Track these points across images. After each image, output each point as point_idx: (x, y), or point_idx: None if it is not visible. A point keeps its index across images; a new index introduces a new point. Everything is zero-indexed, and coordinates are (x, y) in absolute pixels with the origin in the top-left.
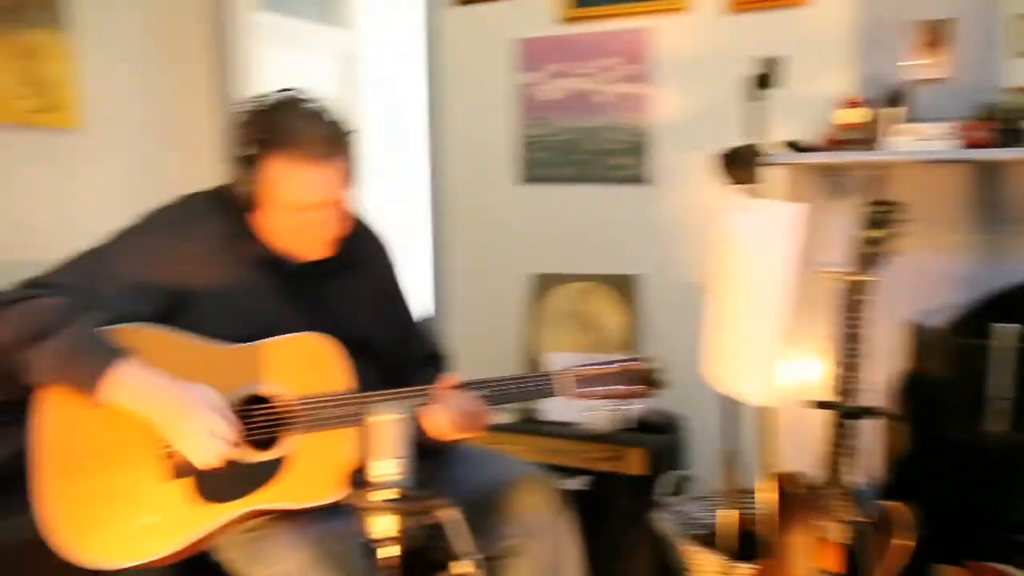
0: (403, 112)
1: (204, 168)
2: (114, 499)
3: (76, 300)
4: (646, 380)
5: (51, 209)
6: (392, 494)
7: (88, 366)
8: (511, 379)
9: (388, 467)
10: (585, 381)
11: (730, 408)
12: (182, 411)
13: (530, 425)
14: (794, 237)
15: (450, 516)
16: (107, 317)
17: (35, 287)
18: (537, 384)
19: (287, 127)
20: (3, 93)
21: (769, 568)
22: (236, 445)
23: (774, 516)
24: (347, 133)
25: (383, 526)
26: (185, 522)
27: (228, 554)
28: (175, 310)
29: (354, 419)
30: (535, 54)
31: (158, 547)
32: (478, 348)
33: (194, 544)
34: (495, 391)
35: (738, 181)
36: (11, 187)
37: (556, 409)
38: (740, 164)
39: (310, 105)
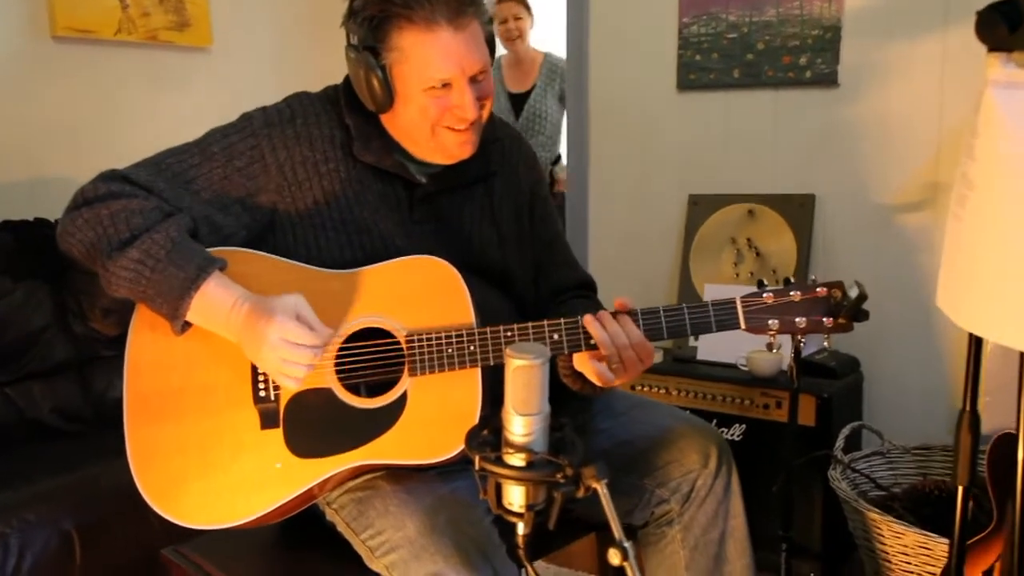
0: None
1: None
2: (202, 450)
3: (163, 204)
4: (842, 311)
5: (179, 129)
6: (519, 460)
7: (174, 279)
8: (679, 308)
9: (516, 425)
10: (765, 311)
11: (926, 349)
12: (258, 321)
13: (680, 365)
14: None
15: (596, 488)
16: (192, 225)
17: (118, 182)
18: (714, 313)
19: None
20: (138, 9)
21: (973, 544)
22: (322, 352)
23: (984, 482)
24: None
25: (508, 497)
26: (277, 479)
27: (332, 516)
28: (271, 228)
29: (483, 360)
30: None
31: (248, 508)
32: (626, 277)
33: (289, 505)
34: (663, 322)
35: (1008, 47)
36: (142, 106)
37: (710, 347)
38: (1013, 21)
39: None
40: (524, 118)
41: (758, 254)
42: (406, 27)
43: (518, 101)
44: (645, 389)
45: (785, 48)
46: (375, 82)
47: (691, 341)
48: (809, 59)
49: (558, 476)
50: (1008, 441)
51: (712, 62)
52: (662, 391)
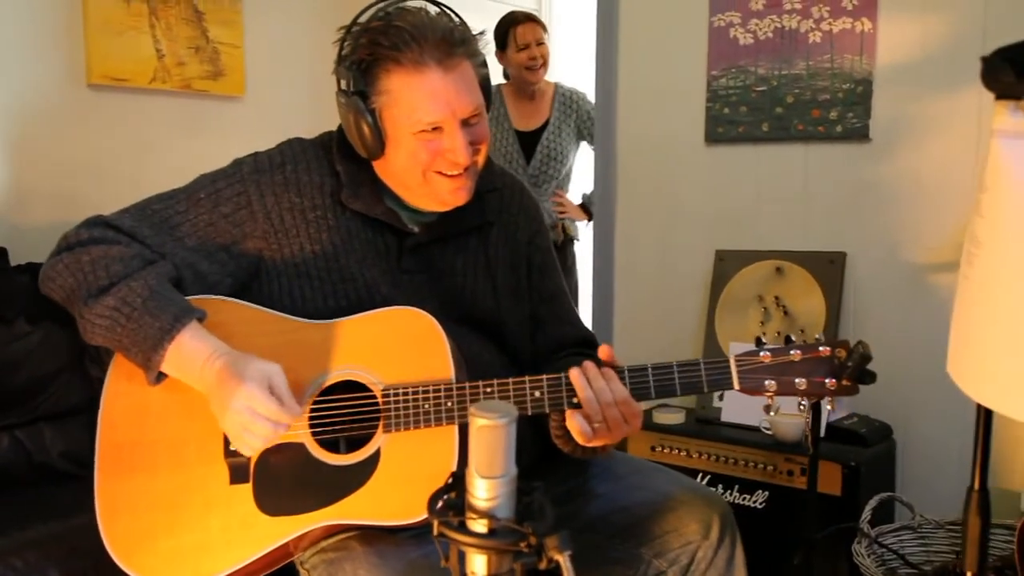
0: (569, 56)
1: None
2: (171, 506)
3: (145, 251)
4: (845, 371)
5: None
6: (481, 526)
7: (149, 328)
8: (668, 366)
9: (479, 489)
10: (762, 371)
11: (964, 417)
12: (228, 381)
13: (699, 427)
14: None
15: (559, 561)
16: (175, 272)
17: (101, 228)
18: (706, 373)
19: (398, 30)
20: (173, 59)
21: None
22: (287, 428)
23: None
24: (471, 33)
25: (471, 565)
26: (244, 538)
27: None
28: (257, 276)
29: (460, 417)
30: None
31: (213, 567)
32: (651, 333)
33: (258, 564)
34: (651, 380)
35: (1015, 94)
36: (174, 153)
37: (732, 409)
38: (1021, 67)
39: (422, 10)
40: (538, 159)
41: (786, 313)
42: (394, 69)
43: (529, 140)
44: (664, 451)
45: (815, 102)
46: (365, 127)
47: (715, 401)
48: (840, 113)
49: (521, 545)
50: None
51: (741, 115)
52: (682, 453)
